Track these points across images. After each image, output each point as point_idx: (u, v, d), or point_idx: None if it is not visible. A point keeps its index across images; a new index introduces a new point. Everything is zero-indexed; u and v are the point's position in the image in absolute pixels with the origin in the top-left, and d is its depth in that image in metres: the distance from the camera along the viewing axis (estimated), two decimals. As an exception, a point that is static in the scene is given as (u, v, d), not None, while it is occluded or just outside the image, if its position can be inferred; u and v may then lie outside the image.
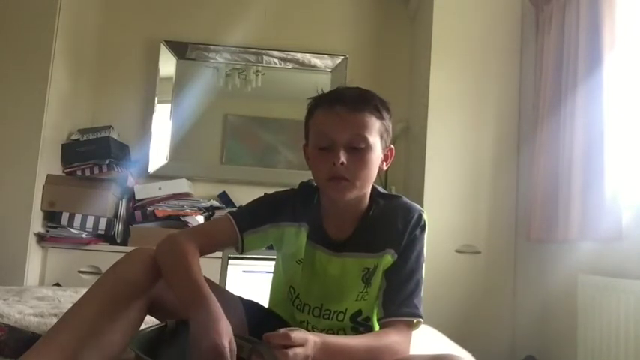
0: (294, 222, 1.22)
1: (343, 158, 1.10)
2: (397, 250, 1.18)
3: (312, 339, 0.97)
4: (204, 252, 1.16)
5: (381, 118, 1.14)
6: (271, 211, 1.24)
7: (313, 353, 0.96)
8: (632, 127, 2.04)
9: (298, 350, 0.93)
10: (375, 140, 1.13)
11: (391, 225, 1.19)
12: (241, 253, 1.23)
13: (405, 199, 1.25)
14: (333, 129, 1.12)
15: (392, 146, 1.22)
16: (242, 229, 1.20)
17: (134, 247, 1.21)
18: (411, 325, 1.14)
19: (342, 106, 1.12)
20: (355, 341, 1.08)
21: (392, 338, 1.10)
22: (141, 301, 1.08)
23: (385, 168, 1.21)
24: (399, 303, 1.13)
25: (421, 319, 1.15)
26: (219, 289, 1.25)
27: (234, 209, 1.30)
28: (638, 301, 1.77)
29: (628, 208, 1.98)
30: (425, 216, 1.22)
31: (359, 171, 1.12)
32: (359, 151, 1.12)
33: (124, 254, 1.14)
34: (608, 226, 1.98)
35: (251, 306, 1.28)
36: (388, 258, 1.17)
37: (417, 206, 1.23)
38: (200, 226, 1.30)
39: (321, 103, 1.16)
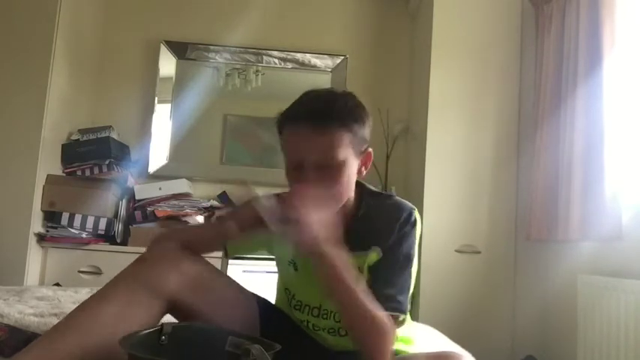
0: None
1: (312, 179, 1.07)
2: (383, 247, 1.16)
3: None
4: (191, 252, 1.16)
5: (349, 130, 1.08)
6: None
7: (328, 248, 1.00)
8: (632, 127, 2.04)
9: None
10: (345, 154, 1.08)
11: (379, 223, 1.17)
12: (227, 257, 1.22)
13: (397, 197, 1.23)
14: (300, 151, 1.08)
15: (370, 150, 1.17)
16: None
17: (132, 246, 1.20)
18: (395, 321, 1.11)
19: (306, 126, 1.07)
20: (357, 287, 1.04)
21: (384, 318, 1.05)
22: (159, 304, 1.07)
23: (365, 172, 1.18)
24: (383, 299, 1.10)
25: (405, 316, 1.14)
26: (235, 285, 1.25)
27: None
28: (638, 301, 1.77)
29: (628, 208, 1.98)
30: (416, 213, 1.20)
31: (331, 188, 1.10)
32: (330, 168, 1.08)
33: (123, 254, 1.14)
34: (608, 226, 1.98)
35: (265, 305, 1.27)
36: (373, 256, 1.16)
37: (409, 204, 1.21)
38: (189, 227, 1.29)
39: (286, 120, 1.12)
